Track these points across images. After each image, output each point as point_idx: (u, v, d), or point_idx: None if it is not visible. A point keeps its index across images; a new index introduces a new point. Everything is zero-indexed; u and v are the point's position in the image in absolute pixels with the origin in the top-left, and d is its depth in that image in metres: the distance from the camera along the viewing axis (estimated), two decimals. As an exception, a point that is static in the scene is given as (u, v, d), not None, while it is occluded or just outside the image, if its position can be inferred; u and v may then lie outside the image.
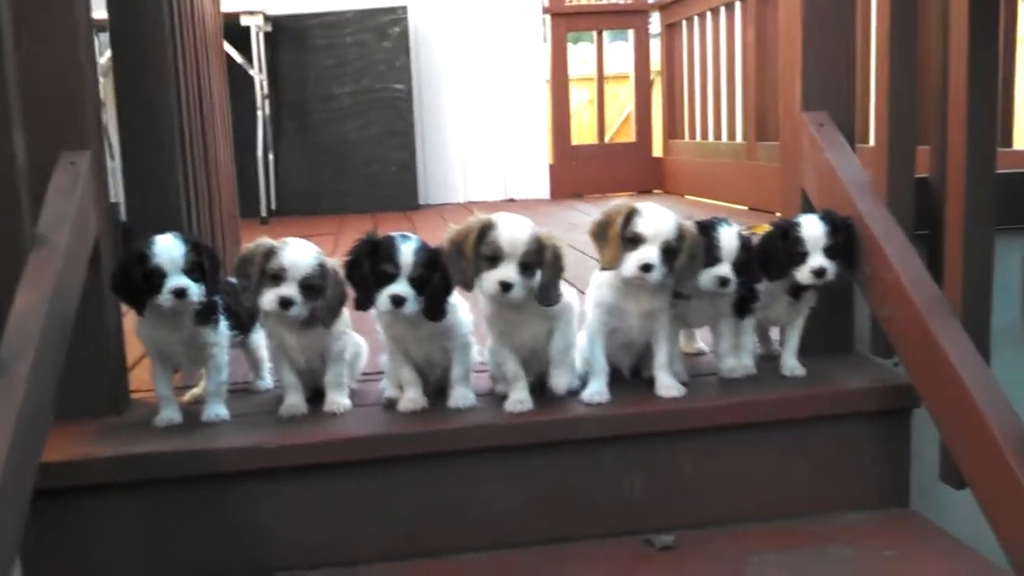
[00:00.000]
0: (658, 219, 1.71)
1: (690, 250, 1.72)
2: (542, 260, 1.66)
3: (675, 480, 1.78)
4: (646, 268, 1.69)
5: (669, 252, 1.71)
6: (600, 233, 1.75)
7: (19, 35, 1.60)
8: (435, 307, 1.69)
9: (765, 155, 4.17)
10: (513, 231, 1.65)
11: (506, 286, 1.63)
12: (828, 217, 1.84)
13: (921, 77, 1.93)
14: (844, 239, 1.82)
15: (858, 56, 2.22)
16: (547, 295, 1.69)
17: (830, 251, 1.81)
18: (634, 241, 1.70)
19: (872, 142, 2.06)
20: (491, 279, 1.64)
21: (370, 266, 1.67)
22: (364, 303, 1.69)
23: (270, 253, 1.69)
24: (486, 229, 1.65)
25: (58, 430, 1.71)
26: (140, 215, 2.08)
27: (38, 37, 1.72)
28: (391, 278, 1.65)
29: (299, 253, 1.70)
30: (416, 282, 1.66)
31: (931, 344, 1.64)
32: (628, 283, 1.74)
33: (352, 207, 5.32)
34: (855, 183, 1.89)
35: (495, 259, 1.64)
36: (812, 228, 1.82)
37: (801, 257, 1.81)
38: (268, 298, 1.68)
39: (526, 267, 1.65)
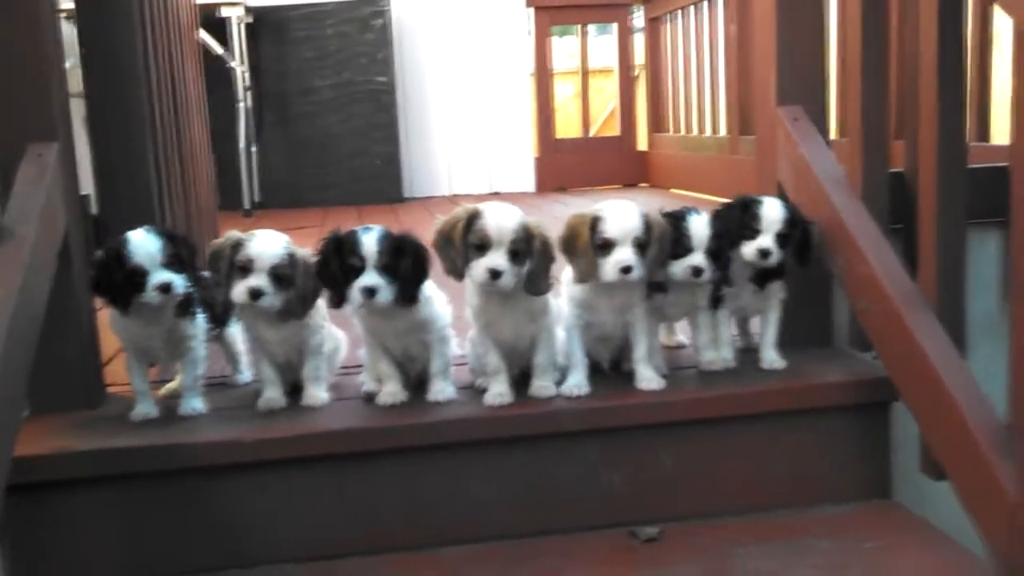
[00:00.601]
0: (624, 218, 1.70)
1: (660, 239, 1.72)
2: (531, 249, 1.66)
3: (656, 473, 1.78)
4: (626, 270, 1.68)
5: (641, 247, 1.70)
6: (569, 246, 1.73)
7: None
8: (407, 292, 1.68)
9: (748, 149, 4.17)
10: (500, 219, 1.64)
11: (495, 273, 1.62)
12: (791, 208, 1.85)
13: (895, 71, 1.93)
14: (800, 236, 1.83)
15: (836, 51, 2.22)
16: (536, 283, 1.69)
17: (781, 238, 1.82)
18: (605, 247, 1.69)
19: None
20: (480, 267, 1.63)
21: (338, 263, 1.66)
22: (338, 300, 1.68)
23: (238, 245, 1.68)
24: (474, 218, 1.65)
25: (32, 424, 1.71)
26: (111, 207, 2.06)
27: (1, 28, 1.69)
28: (359, 271, 1.64)
29: (267, 243, 1.68)
30: (385, 271, 1.64)
31: (907, 338, 1.64)
32: (611, 285, 1.72)
33: (336, 200, 5.30)
34: (829, 177, 1.89)
35: (483, 247, 1.63)
36: (772, 210, 1.83)
37: (753, 233, 1.82)
38: (238, 290, 1.67)
39: (515, 255, 1.64)
